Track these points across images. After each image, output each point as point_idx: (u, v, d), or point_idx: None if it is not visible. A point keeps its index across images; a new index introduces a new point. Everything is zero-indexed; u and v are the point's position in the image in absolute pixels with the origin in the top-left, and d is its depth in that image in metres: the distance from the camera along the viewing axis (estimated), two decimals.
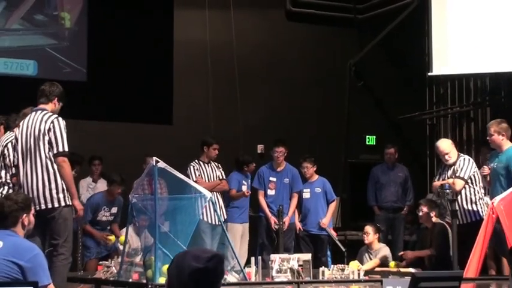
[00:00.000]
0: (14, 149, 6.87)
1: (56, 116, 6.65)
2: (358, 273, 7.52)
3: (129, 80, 11.74)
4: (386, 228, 10.71)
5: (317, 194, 10.17)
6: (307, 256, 7.45)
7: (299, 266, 7.22)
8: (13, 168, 7.13)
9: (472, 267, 7.42)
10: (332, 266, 7.82)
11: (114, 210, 9.72)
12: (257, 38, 12.85)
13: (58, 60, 11.56)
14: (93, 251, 9.53)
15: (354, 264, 7.94)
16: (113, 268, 7.36)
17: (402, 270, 8.38)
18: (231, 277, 6.96)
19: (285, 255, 7.50)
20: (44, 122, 6.58)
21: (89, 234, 9.47)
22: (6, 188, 7.13)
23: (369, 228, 9.29)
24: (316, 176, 10.27)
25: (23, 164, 6.62)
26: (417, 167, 12.66)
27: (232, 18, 12.37)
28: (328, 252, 10.25)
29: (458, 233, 8.14)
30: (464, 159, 8.60)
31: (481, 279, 7.58)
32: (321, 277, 7.38)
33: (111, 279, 7.19)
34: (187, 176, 8.59)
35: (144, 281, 6.67)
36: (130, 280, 6.92)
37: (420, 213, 9.04)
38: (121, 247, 7.90)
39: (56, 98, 6.78)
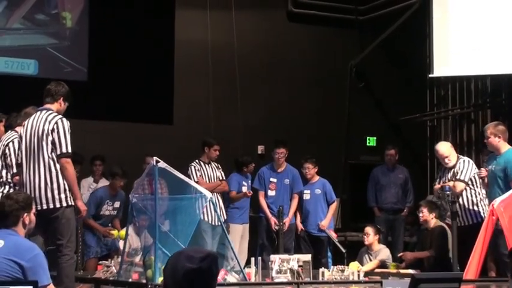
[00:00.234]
0: (19, 147, 6.87)
1: (60, 116, 6.64)
2: (358, 274, 7.52)
3: (130, 80, 11.74)
4: (387, 229, 10.70)
5: (317, 196, 10.17)
6: (307, 257, 7.46)
7: (299, 266, 7.23)
8: (14, 168, 7.13)
9: (471, 269, 7.41)
10: (332, 267, 7.82)
11: (117, 204, 9.76)
12: (258, 38, 12.84)
13: (59, 59, 11.56)
14: (94, 249, 9.55)
15: (354, 265, 7.94)
16: (113, 268, 7.37)
17: (402, 271, 8.39)
18: (230, 277, 6.97)
19: (285, 256, 7.50)
20: (48, 122, 6.58)
21: (91, 229, 9.49)
22: (7, 187, 7.13)
23: (369, 229, 9.30)
24: (317, 177, 10.28)
25: (26, 164, 6.63)
26: (417, 168, 12.67)
27: (233, 19, 12.38)
28: (329, 254, 10.25)
29: (459, 235, 8.13)
30: (464, 161, 8.61)
31: (480, 281, 7.58)
32: (320, 278, 7.38)
33: (111, 278, 7.19)
34: (188, 176, 8.58)
35: (144, 281, 6.67)
36: (130, 280, 6.93)
37: (420, 215, 9.04)
38: (121, 246, 7.89)
39: (62, 98, 6.77)
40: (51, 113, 6.65)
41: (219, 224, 8.41)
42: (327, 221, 10.11)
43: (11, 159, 7.14)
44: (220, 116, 12.00)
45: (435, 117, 13.44)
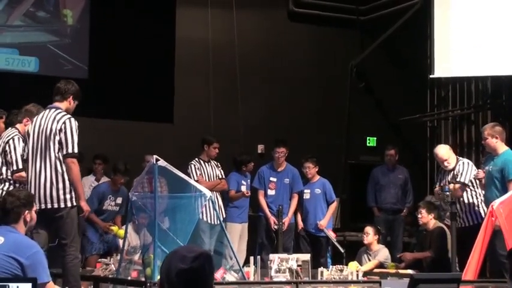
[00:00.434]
0: (26, 143, 6.86)
1: (69, 116, 6.62)
2: (357, 274, 7.53)
3: (131, 78, 11.73)
4: (386, 229, 10.70)
5: (317, 195, 10.17)
6: (306, 256, 7.47)
7: (298, 266, 7.24)
8: (14, 165, 7.13)
9: (470, 270, 7.41)
10: (331, 266, 7.83)
11: (119, 200, 9.75)
12: (259, 37, 12.84)
13: (59, 57, 11.55)
14: (96, 246, 9.54)
15: (353, 265, 7.95)
16: (112, 266, 7.37)
17: (401, 271, 8.39)
18: (229, 276, 6.97)
19: (284, 255, 7.51)
20: (56, 121, 6.56)
21: (93, 225, 9.49)
22: (7, 184, 7.14)
23: (369, 229, 9.31)
24: (317, 177, 10.27)
25: (33, 161, 6.61)
26: (417, 169, 12.66)
27: (234, 18, 12.37)
28: (329, 253, 10.25)
29: (460, 235, 8.13)
30: (463, 163, 8.61)
31: (479, 282, 7.58)
32: (319, 277, 7.38)
33: (110, 276, 7.20)
34: (188, 175, 8.58)
35: (143, 279, 6.67)
36: (129, 278, 6.93)
37: (419, 216, 9.04)
38: (121, 244, 7.90)
39: (71, 96, 6.76)
40: (60, 112, 6.63)
41: (218, 222, 8.42)
42: (325, 221, 10.11)
43: (11, 157, 7.13)
44: (221, 115, 11.99)
45: (435, 118, 13.44)
